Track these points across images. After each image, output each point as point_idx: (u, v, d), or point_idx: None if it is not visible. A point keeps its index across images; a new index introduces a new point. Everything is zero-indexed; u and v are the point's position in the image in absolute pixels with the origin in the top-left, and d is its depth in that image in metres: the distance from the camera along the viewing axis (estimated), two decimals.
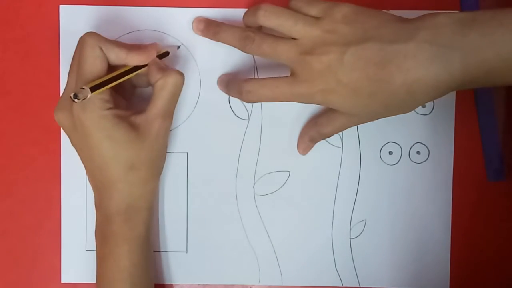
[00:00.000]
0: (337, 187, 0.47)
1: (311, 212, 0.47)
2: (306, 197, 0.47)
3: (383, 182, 0.47)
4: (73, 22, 0.47)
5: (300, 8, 0.42)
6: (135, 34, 0.47)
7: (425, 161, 0.47)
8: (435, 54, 0.38)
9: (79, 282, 0.48)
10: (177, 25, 0.47)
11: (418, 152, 0.47)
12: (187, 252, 0.48)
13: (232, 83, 0.45)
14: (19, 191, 0.48)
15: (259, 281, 0.48)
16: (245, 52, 0.43)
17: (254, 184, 0.47)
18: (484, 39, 0.37)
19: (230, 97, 0.47)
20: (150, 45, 0.44)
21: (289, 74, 0.42)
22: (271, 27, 0.42)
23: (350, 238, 0.47)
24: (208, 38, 0.45)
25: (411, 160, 0.47)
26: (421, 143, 0.47)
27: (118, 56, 0.42)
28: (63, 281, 0.48)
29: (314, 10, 0.41)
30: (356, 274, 0.47)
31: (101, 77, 0.41)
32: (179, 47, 0.47)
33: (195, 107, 0.47)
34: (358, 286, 0.47)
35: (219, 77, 0.47)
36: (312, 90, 0.41)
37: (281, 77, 0.42)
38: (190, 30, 0.46)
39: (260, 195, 0.47)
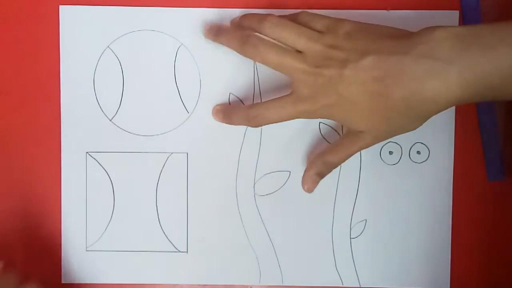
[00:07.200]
0: (337, 187, 0.47)
1: (311, 212, 0.47)
2: (306, 197, 0.47)
3: (383, 182, 0.47)
4: (73, 22, 0.47)
5: (307, 22, 0.42)
6: (135, 34, 0.47)
7: (425, 161, 0.47)
8: (432, 68, 0.38)
9: (79, 282, 0.48)
10: (177, 25, 0.47)
11: (418, 152, 0.47)
12: (187, 252, 0.48)
13: (234, 111, 0.45)
14: (19, 191, 0.47)
15: (259, 281, 0.48)
16: (246, 57, 0.43)
17: (254, 184, 0.47)
18: (483, 55, 0.37)
19: (230, 98, 0.47)
20: None
21: (290, 88, 0.42)
22: (274, 39, 0.42)
23: (350, 238, 0.47)
24: (212, 40, 0.46)
25: (411, 160, 0.47)
26: (421, 143, 0.47)
27: None
28: (63, 281, 0.48)
29: (319, 25, 0.42)
30: (357, 274, 0.47)
31: None
32: None
33: (195, 107, 0.47)
34: (359, 286, 0.47)
35: (214, 108, 0.47)
36: (315, 106, 0.41)
37: (284, 96, 0.42)
38: (190, 30, 0.46)
39: (260, 195, 0.47)
